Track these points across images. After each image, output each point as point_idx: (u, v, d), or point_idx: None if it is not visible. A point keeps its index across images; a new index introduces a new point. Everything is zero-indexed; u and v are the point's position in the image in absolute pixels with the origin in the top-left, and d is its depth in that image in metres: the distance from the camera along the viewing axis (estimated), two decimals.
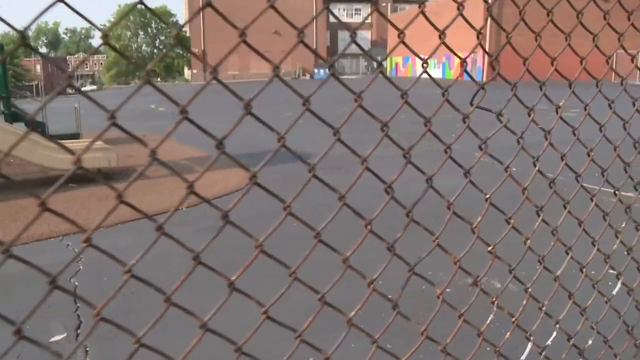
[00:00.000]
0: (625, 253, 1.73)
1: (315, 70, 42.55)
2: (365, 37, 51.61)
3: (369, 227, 1.03)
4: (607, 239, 1.61)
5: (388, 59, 48.95)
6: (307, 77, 42.63)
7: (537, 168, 1.35)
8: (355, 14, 52.51)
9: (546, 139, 1.38)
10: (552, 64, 1.49)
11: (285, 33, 40.16)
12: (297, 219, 0.92)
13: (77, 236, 4.97)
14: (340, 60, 50.51)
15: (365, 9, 52.60)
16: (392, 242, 1.05)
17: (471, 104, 1.13)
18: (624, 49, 1.76)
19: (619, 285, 1.69)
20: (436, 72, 34.31)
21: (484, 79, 30.25)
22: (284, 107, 8.19)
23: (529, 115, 1.36)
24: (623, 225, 1.68)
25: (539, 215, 1.38)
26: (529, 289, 1.39)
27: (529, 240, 1.35)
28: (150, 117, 15.88)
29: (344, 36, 50.48)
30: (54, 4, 0.71)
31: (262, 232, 0.92)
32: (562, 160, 1.43)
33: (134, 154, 9.36)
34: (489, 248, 1.25)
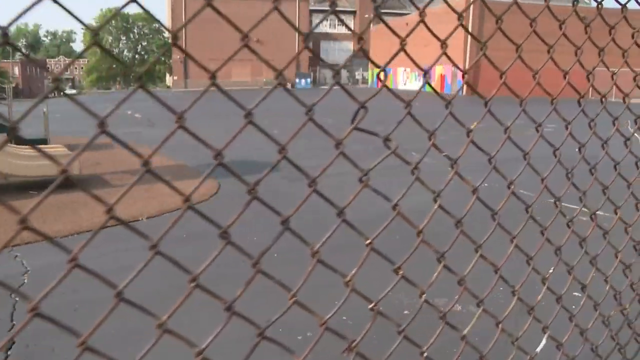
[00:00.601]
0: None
1: (297, 80, 42.81)
2: (347, 47, 52.34)
3: (370, 245, 0.99)
4: (584, 267, 1.60)
5: (369, 70, 45.92)
6: (289, 86, 42.03)
7: (510, 190, 1.33)
8: (338, 25, 53.65)
9: (525, 158, 1.37)
10: (535, 78, 1.50)
11: (268, 41, 40.48)
12: (295, 234, 0.89)
13: (27, 247, 4.72)
14: (321, 70, 50.99)
15: (348, 20, 53.23)
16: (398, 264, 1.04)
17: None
18: (605, 65, 1.78)
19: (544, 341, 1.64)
20: (416, 85, 34.73)
21: (464, 92, 30.12)
22: (262, 116, 8.38)
23: (505, 132, 1.35)
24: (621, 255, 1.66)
25: (512, 242, 1.35)
26: (500, 323, 1.33)
27: (499, 270, 1.31)
28: (125, 123, 15.54)
29: (326, 46, 51.06)
30: (38, 1, 0.69)
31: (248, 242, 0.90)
32: (542, 183, 1.42)
33: (102, 161, 9.07)
34: (458, 279, 1.22)
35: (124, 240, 4.50)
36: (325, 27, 52.47)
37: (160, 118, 13.54)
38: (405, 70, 37.06)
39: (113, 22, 63.38)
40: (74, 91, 61.80)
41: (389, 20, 46.17)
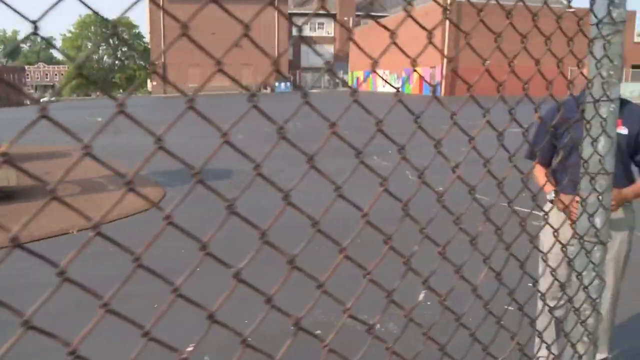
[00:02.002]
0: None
1: (277, 84, 42.68)
2: (328, 50, 52.39)
3: (343, 253, 0.95)
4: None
5: (349, 73, 45.67)
6: (268, 90, 42.31)
7: (472, 198, 1.31)
8: (318, 28, 54.35)
9: (485, 166, 1.34)
10: (510, 65, 1.51)
11: (246, 46, 41.14)
12: (273, 246, 0.84)
13: None
14: (303, 74, 51.24)
15: (328, 23, 54.64)
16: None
17: None
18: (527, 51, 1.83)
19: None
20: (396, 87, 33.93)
21: (443, 93, 29.20)
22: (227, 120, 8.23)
23: (470, 142, 1.31)
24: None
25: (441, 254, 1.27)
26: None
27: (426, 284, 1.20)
28: (91, 131, 15.08)
29: (306, 49, 50.98)
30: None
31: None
32: (499, 188, 1.41)
33: (52, 171, 8.55)
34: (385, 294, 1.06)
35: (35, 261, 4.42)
36: (306, 31, 50.02)
37: (129, 125, 12.38)
38: (384, 72, 37.42)
39: (92, 27, 64.44)
40: (50, 98, 60.19)
41: (370, 23, 44.44)
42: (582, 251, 1.52)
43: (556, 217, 2.38)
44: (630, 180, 2.63)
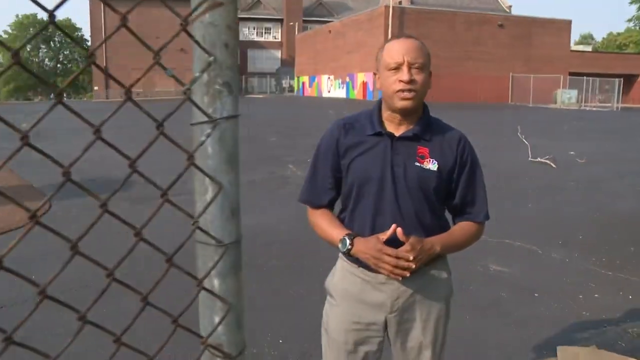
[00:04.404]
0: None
1: None
2: (275, 55, 52.28)
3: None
4: None
5: (295, 78, 43.54)
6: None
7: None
8: (265, 33, 53.15)
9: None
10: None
11: (190, 50, 49.40)
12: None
13: None
14: (249, 79, 50.53)
15: (276, 28, 52.97)
16: None
17: None
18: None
19: None
20: (340, 92, 33.94)
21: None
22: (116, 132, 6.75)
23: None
24: None
25: None
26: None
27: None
28: (4, 138, 7.26)
29: (253, 54, 51.93)
30: None
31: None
32: None
33: None
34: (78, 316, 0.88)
35: None
36: (252, 35, 52.66)
37: (56, 131, 12.07)
38: (329, 77, 36.15)
39: (31, 29, 59.10)
40: None
41: (315, 27, 43.79)
42: None
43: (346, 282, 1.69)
44: (442, 230, 1.66)
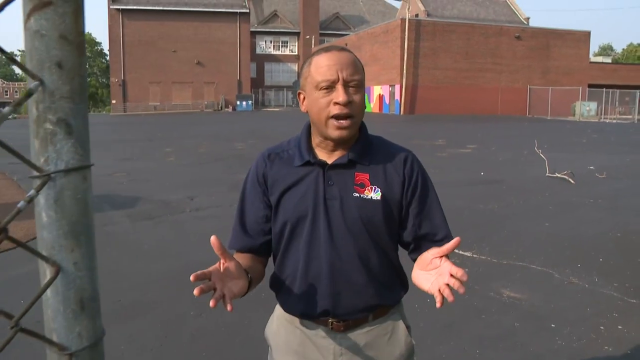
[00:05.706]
0: None
1: (238, 102, 42.08)
2: (292, 69, 53.15)
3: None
4: None
5: None
6: (230, 109, 42.25)
7: None
8: (282, 46, 53.85)
9: None
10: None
11: (207, 64, 42.05)
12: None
13: None
14: (266, 92, 51.15)
15: (292, 41, 53.80)
16: None
17: None
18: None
19: None
20: None
21: (402, 112, 27.23)
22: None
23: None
24: None
25: None
26: None
27: None
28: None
29: (270, 67, 52.84)
30: None
31: None
32: None
33: None
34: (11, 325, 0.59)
35: None
36: (269, 49, 53.57)
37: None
38: None
39: None
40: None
41: (331, 40, 45.44)
42: None
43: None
44: (394, 273, 1.41)
